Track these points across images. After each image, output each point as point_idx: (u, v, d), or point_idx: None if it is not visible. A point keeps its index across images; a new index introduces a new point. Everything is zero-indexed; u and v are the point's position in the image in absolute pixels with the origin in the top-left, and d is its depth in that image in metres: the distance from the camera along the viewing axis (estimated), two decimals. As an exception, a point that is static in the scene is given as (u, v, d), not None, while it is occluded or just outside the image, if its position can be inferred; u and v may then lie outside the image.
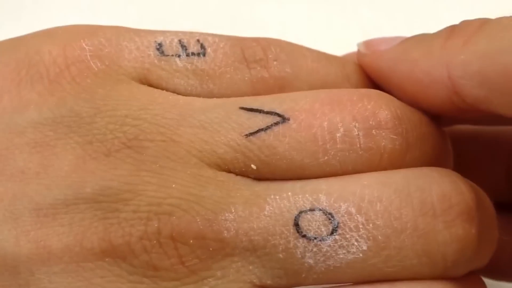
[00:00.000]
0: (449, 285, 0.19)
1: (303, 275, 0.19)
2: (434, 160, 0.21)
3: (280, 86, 0.21)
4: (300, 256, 0.19)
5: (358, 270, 0.19)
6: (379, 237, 0.19)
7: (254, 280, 0.19)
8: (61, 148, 0.19)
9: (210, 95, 0.21)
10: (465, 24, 0.20)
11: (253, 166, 0.19)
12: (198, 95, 0.21)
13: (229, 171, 0.19)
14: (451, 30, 0.20)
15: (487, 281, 0.23)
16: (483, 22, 0.20)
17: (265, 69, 0.21)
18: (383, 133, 0.19)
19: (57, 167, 0.19)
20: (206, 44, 0.21)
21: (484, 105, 0.19)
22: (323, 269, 0.19)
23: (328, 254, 0.19)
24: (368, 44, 0.23)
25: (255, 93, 0.21)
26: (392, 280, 0.19)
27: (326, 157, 0.19)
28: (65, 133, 0.19)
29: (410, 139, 0.20)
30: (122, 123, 0.19)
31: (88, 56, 0.20)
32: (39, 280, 0.18)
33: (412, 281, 0.19)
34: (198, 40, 0.21)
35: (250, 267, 0.19)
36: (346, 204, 0.19)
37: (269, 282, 0.19)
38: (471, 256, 0.19)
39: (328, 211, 0.19)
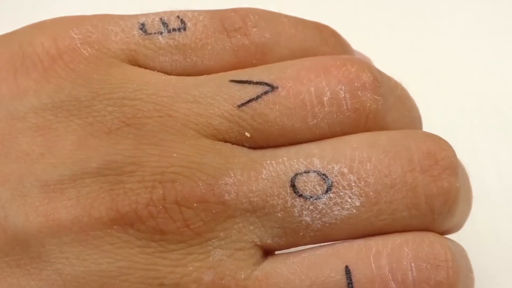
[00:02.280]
0: (437, 236, 0.20)
1: (301, 233, 0.20)
2: (410, 121, 0.22)
3: (261, 52, 0.22)
4: (297, 214, 0.20)
5: (352, 226, 0.20)
6: (371, 193, 0.20)
7: (255, 240, 0.20)
8: (63, 130, 0.20)
9: (194, 68, 0.22)
10: None
11: (247, 134, 0.20)
12: (183, 69, 0.22)
13: (225, 141, 0.20)
14: None
15: (486, 279, 0.24)
16: None
17: (245, 36, 0.22)
18: (368, 94, 0.21)
19: (61, 147, 0.20)
20: (186, 19, 0.22)
21: None
22: (319, 226, 0.20)
23: (324, 211, 0.20)
24: None
25: (238, 61, 0.22)
26: (384, 233, 0.20)
27: (315, 120, 0.20)
28: (66, 116, 0.20)
29: (389, 101, 0.21)
30: (120, 105, 0.20)
31: (78, 43, 0.21)
32: (50, 250, 0.19)
33: (403, 232, 0.20)
34: (178, 16, 0.22)
35: (251, 227, 0.20)
36: (338, 165, 0.20)
37: (269, 241, 0.20)
38: (455, 209, 0.21)
39: (322, 172, 0.20)
